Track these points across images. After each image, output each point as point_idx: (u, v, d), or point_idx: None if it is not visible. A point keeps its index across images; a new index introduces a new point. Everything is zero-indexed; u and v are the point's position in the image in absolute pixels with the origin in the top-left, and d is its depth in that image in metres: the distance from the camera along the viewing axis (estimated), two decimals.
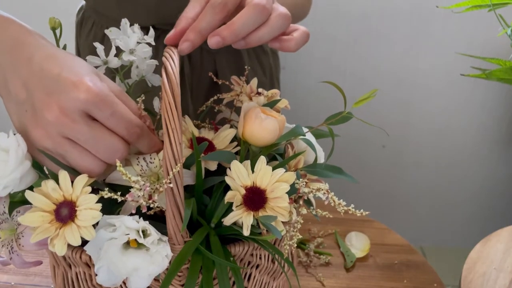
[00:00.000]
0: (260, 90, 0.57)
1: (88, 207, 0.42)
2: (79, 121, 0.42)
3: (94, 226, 0.43)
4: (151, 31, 0.54)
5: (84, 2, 0.88)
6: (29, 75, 0.43)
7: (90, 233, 0.42)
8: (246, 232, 0.44)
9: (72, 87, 0.41)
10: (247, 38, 0.46)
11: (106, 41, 0.84)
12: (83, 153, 0.43)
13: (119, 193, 0.43)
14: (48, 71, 0.42)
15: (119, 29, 0.54)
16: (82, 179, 0.43)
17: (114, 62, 0.53)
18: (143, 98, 0.49)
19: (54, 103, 0.41)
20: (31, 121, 0.43)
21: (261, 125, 0.47)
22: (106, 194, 0.42)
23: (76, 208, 0.43)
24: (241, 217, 0.45)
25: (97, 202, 0.43)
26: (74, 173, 0.44)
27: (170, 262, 0.44)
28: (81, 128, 0.42)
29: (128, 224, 0.43)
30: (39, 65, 0.43)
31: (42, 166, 0.47)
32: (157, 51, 0.78)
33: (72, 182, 0.43)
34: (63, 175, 0.43)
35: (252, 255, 0.50)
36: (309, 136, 0.53)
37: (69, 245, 0.42)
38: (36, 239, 0.42)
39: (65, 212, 0.42)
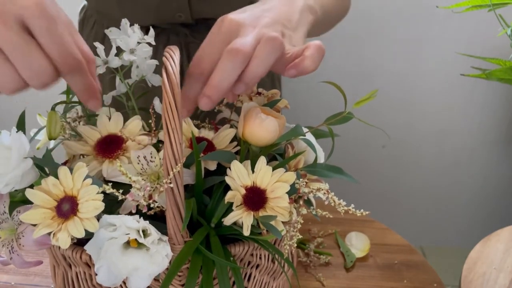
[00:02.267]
0: (260, 90, 0.57)
1: (90, 198, 0.43)
2: (13, 29, 0.39)
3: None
4: (151, 31, 0.54)
5: (86, 2, 0.88)
6: None
7: (93, 225, 0.42)
8: (246, 232, 0.45)
9: None
10: (242, 81, 0.45)
11: (107, 40, 0.84)
12: (5, 63, 0.39)
13: (121, 191, 0.43)
14: None
15: (120, 28, 0.54)
16: (81, 172, 0.43)
17: (115, 62, 0.53)
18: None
19: None
20: None
21: (261, 125, 0.47)
22: (109, 189, 0.42)
23: (77, 202, 0.43)
24: (241, 217, 0.45)
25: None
26: None
27: (170, 262, 0.44)
28: (11, 36, 0.39)
29: (128, 224, 0.43)
30: None
31: (43, 166, 0.47)
32: (156, 50, 0.78)
33: None
34: (63, 171, 0.43)
35: (252, 255, 0.50)
36: (309, 136, 0.53)
37: (69, 245, 0.42)
38: (39, 234, 0.42)
39: (67, 207, 0.43)
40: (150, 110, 0.54)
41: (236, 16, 0.48)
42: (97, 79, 0.46)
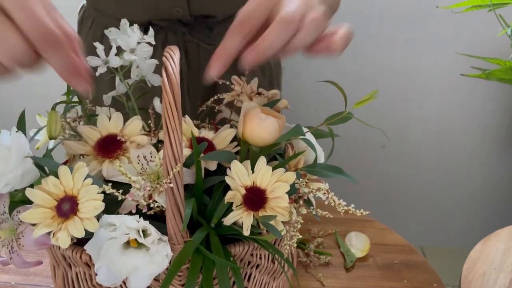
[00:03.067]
0: (260, 90, 0.57)
1: (90, 198, 0.43)
2: None
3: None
4: (151, 31, 0.54)
5: (85, 1, 0.88)
6: None
7: (93, 224, 0.42)
8: (246, 232, 0.45)
9: None
10: (286, 48, 0.45)
11: (105, 40, 0.84)
12: None
13: (120, 191, 0.43)
14: None
15: (118, 28, 0.54)
16: (81, 172, 0.43)
17: (115, 62, 0.53)
18: None
19: None
20: None
21: (261, 125, 0.47)
22: (109, 189, 0.42)
23: (77, 202, 0.43)
24: (241, 217, 0.45)
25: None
26: None
27: (170, 262, 0.44)
28: None
29: (128, 224, 0.43)
30: None
31: (43, 165, 0.47)
32: (155, 50, 0.78)
33: None
34: (64, 170, 0.43)
35: (252, 255, 0.50)
36: (309, 136, 0.53)
37: (69, 245, 0.42)
38: (39, 234, 0.42)
39: (67, 207, 0.43)
40: (150, 110, 0.54)
41: None
42: (82, 58, 0.43)
